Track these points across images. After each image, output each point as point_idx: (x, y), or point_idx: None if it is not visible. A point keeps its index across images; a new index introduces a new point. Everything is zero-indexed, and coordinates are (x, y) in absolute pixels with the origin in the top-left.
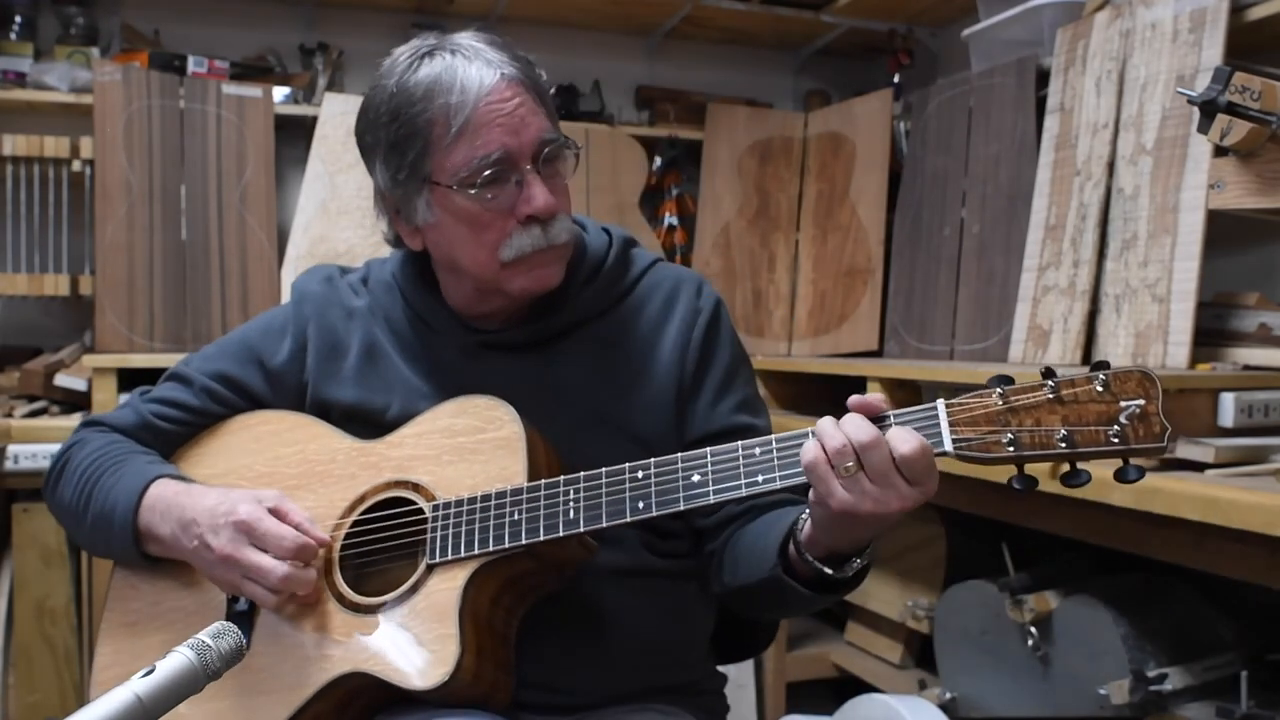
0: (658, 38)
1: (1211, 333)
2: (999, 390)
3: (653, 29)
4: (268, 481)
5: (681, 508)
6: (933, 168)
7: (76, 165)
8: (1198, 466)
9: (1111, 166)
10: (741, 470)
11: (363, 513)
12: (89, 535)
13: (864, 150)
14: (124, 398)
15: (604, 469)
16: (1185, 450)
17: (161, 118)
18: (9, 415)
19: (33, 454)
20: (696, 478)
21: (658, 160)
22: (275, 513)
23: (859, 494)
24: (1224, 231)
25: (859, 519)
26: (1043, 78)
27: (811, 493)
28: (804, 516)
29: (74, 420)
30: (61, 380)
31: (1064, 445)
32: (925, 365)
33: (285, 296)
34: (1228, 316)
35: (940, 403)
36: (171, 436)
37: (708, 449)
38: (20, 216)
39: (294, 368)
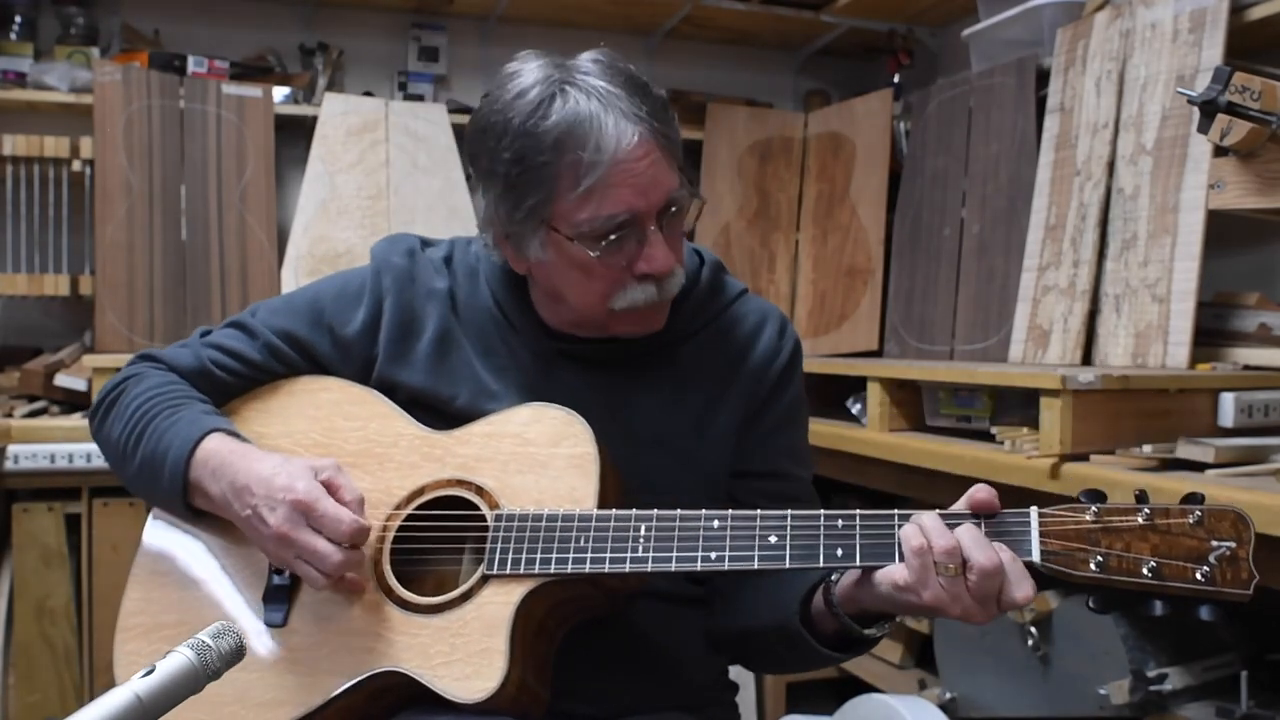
0: (658, 38)
1: (1211, 333)
2: (1093, 508)
3: (653, 29)
4: (323, 452)
5: (755, 567)
6: (933, 168)
7: (76, 165)
8: (1198, 466)
9: (1111, 166)
10: (821, 540)
11: (419, 506)
12: (134, 476)
13: (864, 150)
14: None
15: (679, 511)
16: (1185, 450)
17: (161, 118)
18: (9, 415)
19: (33, 454)
20: (774, 539)
21: None
22: (326, 485)
23: (952, 598)
24: (1224, 231)
25: (935, 614)
26: (1043, 78)
27: (902, 575)
28: (839, 574)
29: (74, 420)
30: (61, 380)
31: (1150, 576)
32: (925, 365)
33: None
34: (1228, 316)
35: (1034, 510)
36: (226, 387)
37: (789, 511)
38: (20, 216)
39: (364, 340)
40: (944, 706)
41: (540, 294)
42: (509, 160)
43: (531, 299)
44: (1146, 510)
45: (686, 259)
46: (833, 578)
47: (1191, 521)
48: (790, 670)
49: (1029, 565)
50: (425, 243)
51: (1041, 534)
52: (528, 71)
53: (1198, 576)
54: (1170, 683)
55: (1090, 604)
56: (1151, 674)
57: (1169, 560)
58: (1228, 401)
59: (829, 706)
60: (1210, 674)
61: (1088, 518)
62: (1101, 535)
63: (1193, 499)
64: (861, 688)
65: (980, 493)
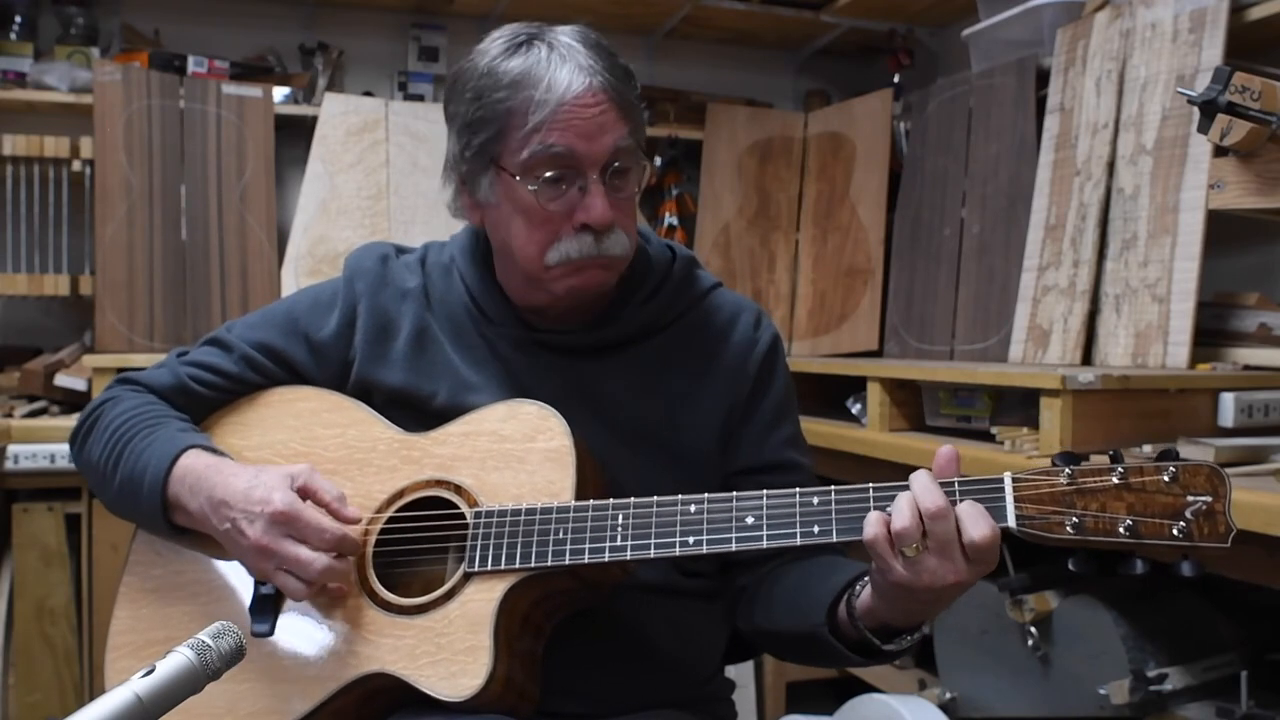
0: (658, 38)
1: (1211, 333)
2: (1067, 470)
3: (653, 29)
4: (303, 461)
5: (733, 548)
6: (933, 168)
7: (76, 165)
8: None
9: (1111, 166)
10: (798, 519)
11: (400, 509)
12: (115, 497)
13: (864, 150)
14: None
15: (655, 498)
16: (1185, 450)
17: (161, 118)
18: (9, 415)
19: (33, 454)
20: (750, 520)
21: (658, 160)
22: (304, 490)
23: (916, 570)
24: (1224, 231)
25: (914, 592)
26: (1043, 78)
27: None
28: (863, 583)
29: (74, 420)
30: (61, 380)
31: (1127, 535)
32: (925, 365)
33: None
34: (1228, 316)
35: (1008, 476)
36: (206, 402)
37: (764, 491)
38: (20, 216)
39: (340, 343)
40: (944, 706)
41: (499, 257)
42: (470, 99)
43: (499, 277)
44: (1120, 470)
45: (659, 252)
46: (855, 589)
47: (1166, 479)
48: (821, 666)
49: (1005, 531)
50: (399, 250)
51: (1016, 499)
52: (501, 30)
53: (1174, 532)
54: (1170, 683)
55: (1070, 565)
56: (1151, 674)
57: (1145, 518)
58: (1228, 401)
59: (829, 706)
60: (1210, 674)
61: (1062, 480)
62: (1076, 497)
63: (1167, 456)
64: (861, 688)
65: (942, 457)
